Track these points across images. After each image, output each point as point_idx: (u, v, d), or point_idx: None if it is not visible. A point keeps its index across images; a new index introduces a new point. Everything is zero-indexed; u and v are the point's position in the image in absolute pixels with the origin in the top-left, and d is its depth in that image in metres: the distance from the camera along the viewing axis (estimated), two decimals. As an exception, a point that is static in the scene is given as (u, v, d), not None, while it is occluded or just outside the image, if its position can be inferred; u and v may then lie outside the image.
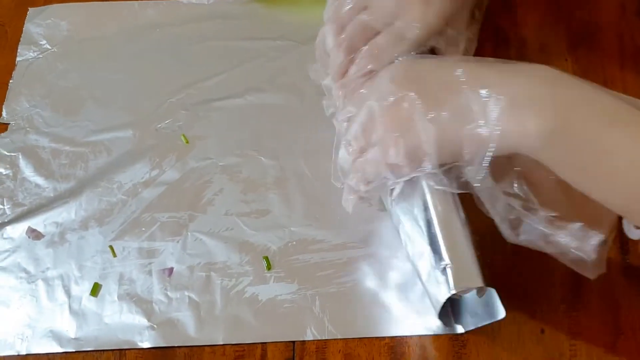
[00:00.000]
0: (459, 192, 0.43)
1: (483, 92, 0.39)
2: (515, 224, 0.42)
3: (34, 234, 0.52)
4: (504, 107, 0.38)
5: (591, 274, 0.42)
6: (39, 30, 0.62)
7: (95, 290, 0.49)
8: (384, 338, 0.46)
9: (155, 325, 0.47)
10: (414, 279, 0.47)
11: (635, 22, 0.59)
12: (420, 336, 0.46)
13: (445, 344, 0.46)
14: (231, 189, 0.53)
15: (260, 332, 0.47)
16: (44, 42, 0.62)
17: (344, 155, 0.47)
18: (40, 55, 0.61)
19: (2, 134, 0.57)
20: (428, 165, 0.41)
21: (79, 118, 0.57)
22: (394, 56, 0.46)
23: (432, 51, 0.49)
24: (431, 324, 0.46)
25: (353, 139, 0.45)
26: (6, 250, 0.51)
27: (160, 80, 0.59)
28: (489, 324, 0.43)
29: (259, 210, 0.52)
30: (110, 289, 0.49)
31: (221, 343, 0.47)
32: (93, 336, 0.47)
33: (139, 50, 0.61)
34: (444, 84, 0.41)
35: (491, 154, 0.39)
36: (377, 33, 0.47)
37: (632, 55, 0.57)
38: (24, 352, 0.47)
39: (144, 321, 0.48)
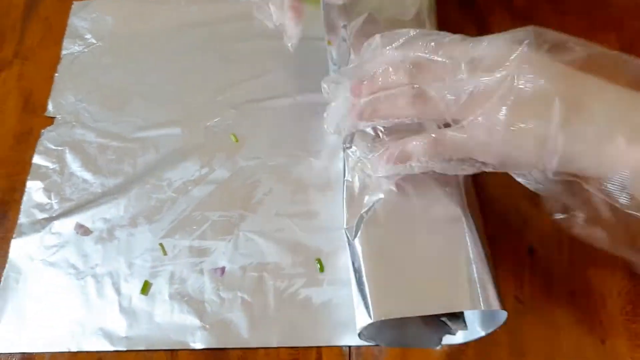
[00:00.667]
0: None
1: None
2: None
3: (82, 230, 0.51)
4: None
5: None
6: (84, 24, 0.62)
7: (146, 288, 0.48)
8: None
9: (207, 326, 0.47)
10: None
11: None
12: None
13: (504, 352, 0.45)
14: (280, 190, 0.52)
15: (315, 335, 0.46)
16: (89, 36, 0.61)
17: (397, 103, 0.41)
18: (86, 50, 0.60)
19: (48, 128, 0.56)
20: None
21: (125, 114, 0.57)
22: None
23: None
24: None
25: (445, 100, 0.38)
26: (54, 246, 0.51)
27: (207, 78, 0.58)
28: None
29: (309, 212, 0.51)
30: (161, 288, 0.48)
31: (275, 346, 0.46)
32: (144, 335, 0.47)
33: (184, 47, 0.60)
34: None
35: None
36: None
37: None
38: (74, 349, 0.47)
39: (196, 321, 0.47)
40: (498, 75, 0.37)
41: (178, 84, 0.58)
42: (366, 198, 0.43)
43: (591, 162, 0.36)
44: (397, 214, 0.42)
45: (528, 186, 0.39)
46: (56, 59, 0.60)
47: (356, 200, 0.44)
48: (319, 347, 0.46)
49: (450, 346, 0.45)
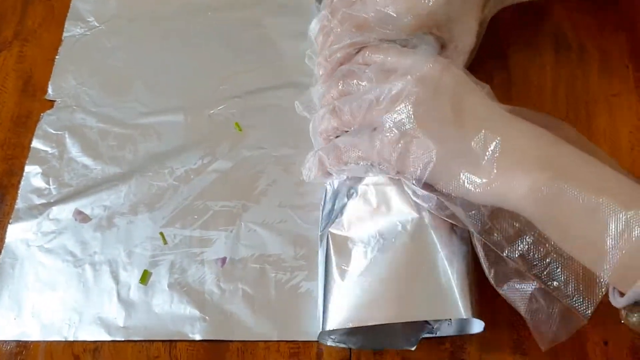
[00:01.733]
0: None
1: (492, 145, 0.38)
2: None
3: (81, 217, 0.50)
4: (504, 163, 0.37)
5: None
6: (87, 7, 0.61)
7: (145, 278, 0.48)
8: (443, 343, 0.45)
9: (207, 317, 0.46)
10: None
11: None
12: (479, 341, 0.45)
13: (506, 349, 0.45)
14: (285, 181, 0.51)
15: (317, 329, 0.45)
16: (91, 19, 0.60)
17: (325, 119, 0.45)
18: (88, 32, 0.59)
19: (48, 112, 0.55)
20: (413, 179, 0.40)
21: (127, 99, 0.56)
22: (379, 38, 0.46)
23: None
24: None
25: (349, 112, 0.43)
26: (52, 232, 0.50)
27: (212, 65, 0.57)
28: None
29: (312, 204, 0.50)
30: (161, 277, 0.48)
31: (276, 339, 0.45)
32: (142, 325, 0.46)
33: (189, 32, 0.59)
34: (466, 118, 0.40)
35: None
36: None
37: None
38: (71, 338, 0.46)
39: (195, 312, 0.46)
40: (394, 91, 0.40)
41: (182, 71, 0.57)
42: (336, 203, 0.44)
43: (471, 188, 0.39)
44: (359, 220, 0.43)
45: (429, 209, 0.41)
46: (57, 41, 0.59)
47: (326, 204, 0.45)
48: (320, 342, 0.45)
49: (453, 344, 0.45)
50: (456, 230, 0.42)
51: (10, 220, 0.50)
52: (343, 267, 0.42)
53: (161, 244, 0.49)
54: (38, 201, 0.51)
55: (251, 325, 0.46)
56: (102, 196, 0.51)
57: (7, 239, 0.50)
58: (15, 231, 0.50)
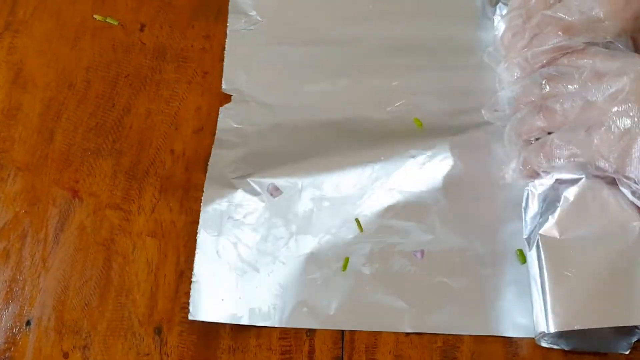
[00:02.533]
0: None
1: None
2: None
3: (277, 192, 0.49)
4: None
5: None
6: (248, 1, 0.59)
7: (345, 265, 0.47)
8: (435, 340, 0.45)
9: (413, 310, 0.45)
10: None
11: None
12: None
13: (499, 350, 0.44)
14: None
15: (534, 328, 0.44)
16: (253, 13, 0.59)
17: (528, 120, 0.46)
18: (252, 27, 0.58)
19: (227, 105, 0.54)
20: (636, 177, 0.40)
21: (300, 92, 0.54)
22: (585, 42, 0.45)
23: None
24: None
25: (562, 112, 0.43)
26: (247, 207, 0.49)
27: (381, 64, 0.55)
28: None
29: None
30: (360, 266, 0.47)
31: (486, 334, 0.45)
32: (352, 315, 0.45)
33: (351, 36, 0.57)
34: None
35: None
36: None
37: None
38: (277, 325, 0.45)
39: (401, 304, 0.45)
40: (613, 90, 0.41)
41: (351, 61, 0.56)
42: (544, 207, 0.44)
43: None
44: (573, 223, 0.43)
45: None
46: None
47: (530, 207, 0.45)
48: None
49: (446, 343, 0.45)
50: None
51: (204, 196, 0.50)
52: (560, 269, 0.42)
53: (357, 231, 0.48)
54: (232, 175, 0.50)
55: (456, 318, 0.45)
56: (296, 179, 0.50)
57: (202, 215, 0.49)
58: (210, 207, 0.49)
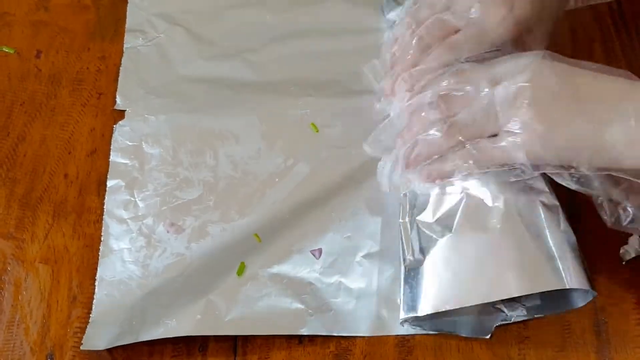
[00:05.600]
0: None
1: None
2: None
3: (174, 228, 0.49)
4: None
5: None
6: (144, 18, 0.60)
7: (242, 270, 0.47)
8: (328, 345, 0.45)
9: (310, 311, 0.45)
10: None
11: (588, 14, 0.58)
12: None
13: (391, 350, 0.44)
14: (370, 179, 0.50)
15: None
16: (150, 29, 0.59)
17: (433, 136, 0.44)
18: (149, 43, 0.58)
19: (121, 122, 0.54)
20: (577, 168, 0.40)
21: (198, 104, 0.55)
22: (469, 55, 0.46)
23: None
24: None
25: (466, 122, 0.43)
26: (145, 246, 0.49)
27: (282, 68, 0.56)
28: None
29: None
30: (257, 270, 0.47)
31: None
32: (248, 320, 0.45)
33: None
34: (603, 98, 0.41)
35: None
36: (456, 32, 0.47)
37: (584, 47, 0.56)
38: (172, 335, 0.45)
39: (299, 306, 0.45)
40: (517, 84, 0.41)
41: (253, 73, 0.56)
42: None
43: (621, 151, 0.39)
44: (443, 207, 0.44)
45: (568, 186, 0.41)
46: (118, 54, 0.58)
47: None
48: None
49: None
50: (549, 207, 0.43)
51: (102, 235, 0.49)
52: (431, 258, 0.43)
53: (256, 243, 0.48)
54: (127, 215, 0.50)
55: (352, 319, 0.45)
56: (190, 205, 0.50)
57: (100, 256, 0.48)
58: (108, 246, 0.49)
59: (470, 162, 0.42)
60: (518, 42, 0.47)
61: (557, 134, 0.40)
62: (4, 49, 0.59)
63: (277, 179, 0.51)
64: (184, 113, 0.54)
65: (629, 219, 0.41)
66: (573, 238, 0.43)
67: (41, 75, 0.57)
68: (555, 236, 0.42)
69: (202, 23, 0.59)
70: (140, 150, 0.53)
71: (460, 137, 0.43)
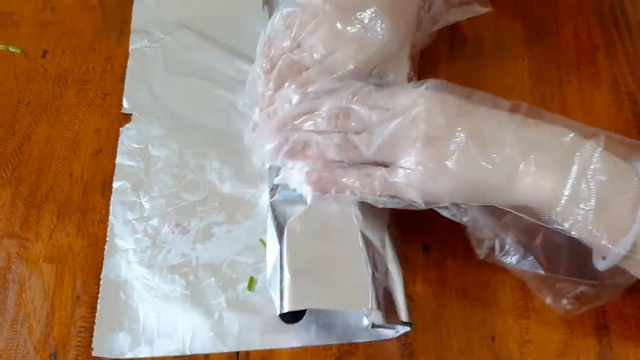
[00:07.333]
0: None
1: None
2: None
3: (179, 229, 0.49)
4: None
5: None
6: (150, 19, 0.60)
7: (251, 284, 0.47)
8: (330, 347, 0.45)
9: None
10: None
11: (592, 20, 0.58)
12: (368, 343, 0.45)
13: (393, 353, 0.45)
14: None
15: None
16: (156, 31, 0.59)
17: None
18: (154, 45, 0.58)
19: (127, 125, 0.54)
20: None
21: (199, 104, 0.55)
22: (322, 88, 0.45)
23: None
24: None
25: (367, 146, 0.43)
26: (151, 247, 0.49)
27: None
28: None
29: None
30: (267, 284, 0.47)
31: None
32: (258, 335, 0.46)
33: None
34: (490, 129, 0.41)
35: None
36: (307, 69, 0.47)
37: (588, 53, 0.56)
38: (188, 352, 0.45)
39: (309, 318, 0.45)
40: (408, 119, 0.41)
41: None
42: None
43: (513, 189, 0.40)
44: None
45: (454, 219, 0.42)
46: (124, 55, 0.58)
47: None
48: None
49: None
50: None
51: (107, 235, 0.50)
52: (295, 260, 0.43)
53: (263, 251, 0.48)
54: (132, 217, 0.50)
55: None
56: (195, 206, 0.50)
57: (106, 256, 0.49)
58: (113, 246, 0.49)
59: (365, 188, 0.42)
60: (381, 68, 0.48)
61: (450, 175, 0.40)
62: (10, 49, 0.59)
63: None
64: (190, 115, 0.55)
65: (503, 252, 0.43)
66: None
67: (47, 75, 0.57)
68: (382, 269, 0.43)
69: (208, 25, 0.59)
70: (146, 153, 0.53)
71: (348, 157, 0.43)
